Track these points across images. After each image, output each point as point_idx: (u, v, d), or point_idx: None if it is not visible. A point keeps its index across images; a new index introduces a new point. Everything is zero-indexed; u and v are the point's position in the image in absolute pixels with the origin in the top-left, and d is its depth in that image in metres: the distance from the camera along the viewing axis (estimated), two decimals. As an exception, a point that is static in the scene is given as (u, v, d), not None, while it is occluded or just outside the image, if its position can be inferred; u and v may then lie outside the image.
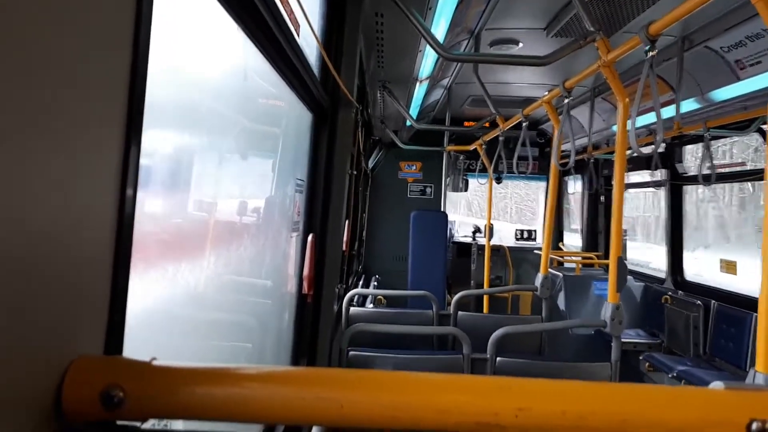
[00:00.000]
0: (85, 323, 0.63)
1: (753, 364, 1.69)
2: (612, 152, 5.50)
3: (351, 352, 2.51)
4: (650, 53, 2.10)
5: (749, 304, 4.34)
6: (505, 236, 8.27)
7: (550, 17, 3.53)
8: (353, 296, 3.64)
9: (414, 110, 5.52)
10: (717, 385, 0.60)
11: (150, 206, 1.02)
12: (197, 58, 1.24)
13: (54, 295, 0.56)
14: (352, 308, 3.54)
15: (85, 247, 0.61)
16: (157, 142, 1.00)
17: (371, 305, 5.19)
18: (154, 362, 0.59)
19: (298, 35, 1.79)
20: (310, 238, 2.51)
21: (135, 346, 0.79)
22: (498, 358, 2.58)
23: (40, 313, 0.54)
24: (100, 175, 0.63)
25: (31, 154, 0.51)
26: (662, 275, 5.82)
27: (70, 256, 0.58)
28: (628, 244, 7.20)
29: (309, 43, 2.01)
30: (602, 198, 7.20)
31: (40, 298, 0.54)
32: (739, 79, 3.60)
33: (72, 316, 0.60)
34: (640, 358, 5.10)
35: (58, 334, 0.57)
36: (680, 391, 0.60)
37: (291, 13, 1.64)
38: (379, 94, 4.68)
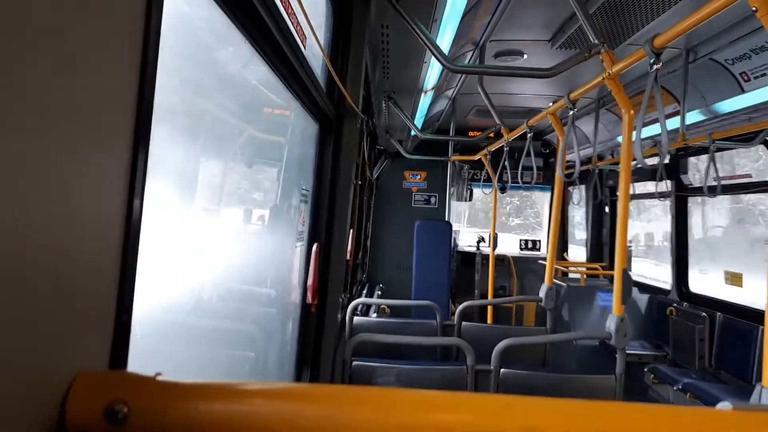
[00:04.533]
0: (89, 336, 0.62)
1: (759, 377, 1.67)
2: (617, 163, 5.48)
3: (354, 363, 2.50)
4: (655, 66, 2.10)
5: (756, 316, 4.31)
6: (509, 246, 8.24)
7: (554, 29, 3.54)
8: (357, 305, 3.63)
9: (419, 120, 5.53)
10: (724, 405, 0.59)
11: (155, 213, 1.02)
12: (203, 66, 1.25)
13: (58, 307, 0.56)
14: (355, 318, 3.53)
15: (90, 258, 0.61)
16: (162, 150, 1.00)
17: (375, 314, 5.17)
18: (159, 377, 0.59)
19: (305, 47, 1.80)
20: (314, 247, 2.51)
21: (138, 353, 0.79)
22: (502, 370, 2.57)
23: (44, 326, 0.54)
24: (108, 182, 0.64)
25: (36, 162, 0.51)
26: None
27: (75, 268, 0.58)
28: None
29: (315, 54, 2.03)
30: (606, 209, 7.18)
31: (43, 311, 0.54)
32: (743, 91, 3.60)
33: (77, 329, 0.59)
34: (645, 370, 5.06)
35: (63, 348, 0.57)
36: (687, 412, 0.59)
37: (297, 25, 1.65)
38: (384, 104, 4.69)
